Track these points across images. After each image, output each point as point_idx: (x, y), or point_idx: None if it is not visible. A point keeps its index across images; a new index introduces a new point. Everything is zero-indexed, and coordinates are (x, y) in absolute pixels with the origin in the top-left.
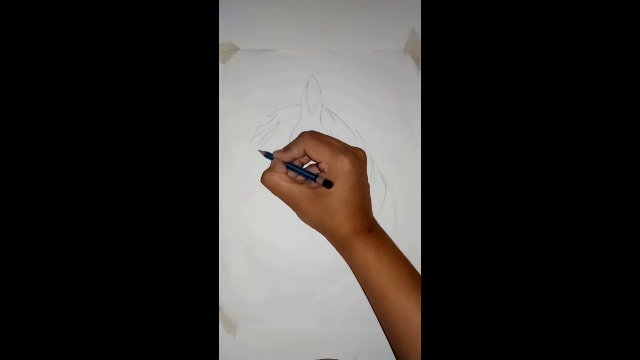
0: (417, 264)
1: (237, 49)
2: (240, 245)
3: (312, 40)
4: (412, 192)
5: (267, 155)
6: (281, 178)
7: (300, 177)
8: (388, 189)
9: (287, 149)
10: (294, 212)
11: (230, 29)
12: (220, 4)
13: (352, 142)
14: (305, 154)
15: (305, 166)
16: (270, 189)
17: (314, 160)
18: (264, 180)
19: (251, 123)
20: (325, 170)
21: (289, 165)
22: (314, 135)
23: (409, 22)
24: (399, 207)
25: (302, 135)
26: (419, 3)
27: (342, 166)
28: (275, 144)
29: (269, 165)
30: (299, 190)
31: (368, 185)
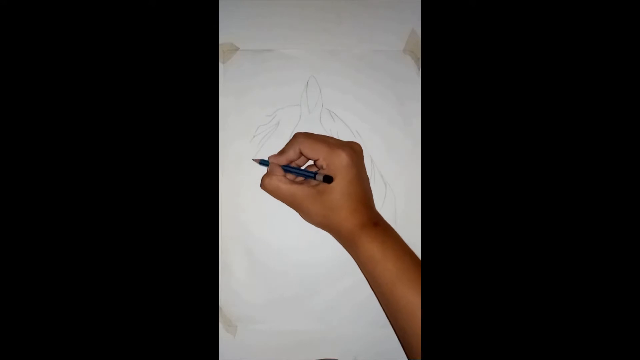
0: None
1: (237, 49)
2: (240, 245)
3: (312, 40)
4: (412, 192)
5: (263, 162)
6: (280, 181)
7: (300, 178)
8: (388, 189)
9: (282, 152)
10: (294, 212)
11: (230, 29)
12: (220, 4)
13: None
14: (301, 154)
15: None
16: (271, 194)
17: (311, 159)
18: (263, 185)
19: (251, 123)
20: (324, 166)
21: (287, 168)
22: (307, 135)
23: (409, 22)
24: (399, 207)
25: (296, 136)
26: (419, 3)
27: (340, 160)
28: (275, 144)
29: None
30: (300, 190)
31: (368, 179)
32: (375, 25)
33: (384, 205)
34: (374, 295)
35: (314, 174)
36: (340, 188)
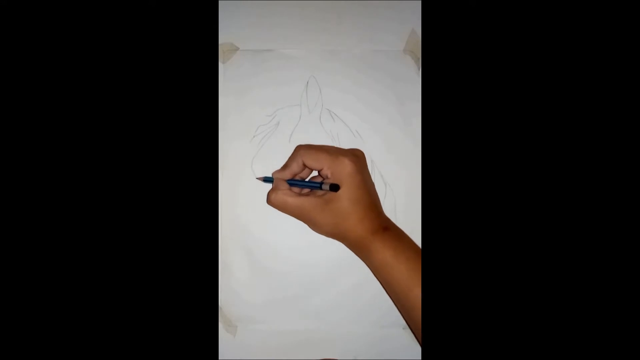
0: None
1: (237, 49)
2: (240, 245)
3: (312, 40)
4: (412, 192)
5: (267, 179)
6: (286, 194)
7: (305, 190)
8: (388, 189)
9: (285, 166)
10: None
11: (230, 29)
12: (220, 4)
13: (352, 141)
14: (304, 167)
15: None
16: (278, 209)
17: (315, 169)
18: (270, 201)
19: (251, 123)
20: (329, 175)
21: (292, 182)
22: (308, 147)
23: (409, 22)
24: (399, 207)
25: (297, 149)
26: (419, 3)
27: (344, 167)
28: (275, 144)
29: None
30: (307, 202)
31: (373, 184)
32: (375, 25)
33: (384, 205)
34: (374, 295)
35: (319, 184)
36: (347, 195)
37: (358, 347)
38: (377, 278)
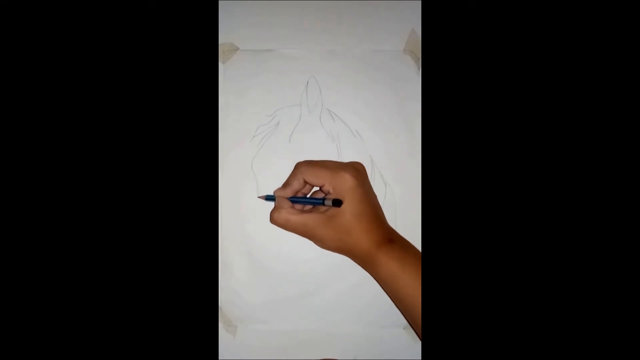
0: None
1: (237, 49)
2: (240, 245)
3: (312, 40)
4: (412, 192)
5: (269, 198)
6: (289, 212)
7: (308, 207)
8: (388, 189)
9: (286, 184)
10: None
11: (230, 29)
12: (220, 4)
13: (352, 142)
14: (305, 184)
15: (308, 196)
16: (281, 227)
17: (316, 185)
18: (273, 220)
19: (251, 123)
20: (330, 191)
21: (294, 199)
22: (309, 163)
23: (409, 22)
24: (399, 207)
25: (297, 166)
26: (419, 3)
27: (344, 182)
28: (275, 144)
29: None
30: (310, 219)
31: (375, 196)
32: (375, 25)
33: (384, 205)
34: (374, 295)
35: (322, 200)
36: (350, 210)
37: (358, 347)
38: (384, 290)
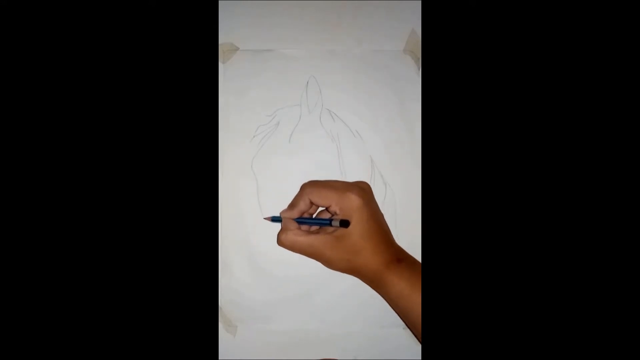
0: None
1: (237, 49)
2: (240, 245)
3: (312, 40)
4: (412, 192)
5: (275, 219)
6: (296, 234)
7: (315, 227)
8: (388, 189)
9: (292, 205)
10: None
11: (230, 29)
12: (220, 4)
13: (352, 142)
14: (311, 204)
15: (314, 216)
16: (289, 249)
17: (322, 206)
18: (280, 242)
19: (251, 123)
20: (337, 211)
21: (300, 220)
22: (314, 184)
23: (409, 22)
24: (399, 207)
25: (303, 187)
26: (419, 3)
27: (351, 203)
28: (275, 144)
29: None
30: (318, 240)
31: (382, 214)
32: (375, 25)
33: (384, 206)
34: (374, 295)
35: (329, 221)
36: (358, 230)
37: (358, 347)
38: (394, 310)
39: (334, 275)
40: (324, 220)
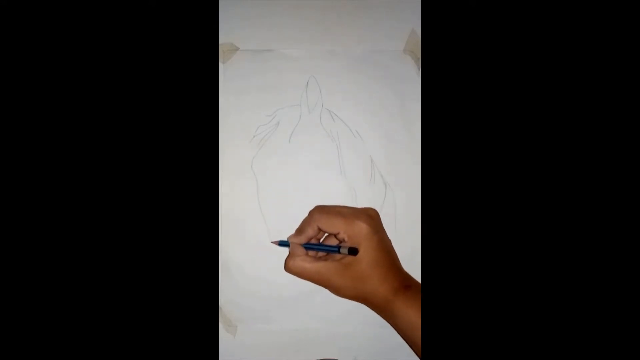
0: (417, 264)
1: (237, 49)
2: (240, 245)
3: (312, 40)
4: (412, 192)
5: (283, 243)
6: (304, 260)
7: (322, 253)
8: (388, 189)
9: (300, 231)
10: (294, 213)
11: (230, 29)
12: (220, 4)
13: (352, 142)
14: (319, 230)
15: (321, 241)
16: (296, 275)
17: (331, 233)
18: (288, 268)
19: (251, 123)
20: (345, 239)
21: (308, 246)
22: (322, 210)
23: (409, 22)
24: (399, 207)
25: (311, 213)
26: (419, 3)
27: (359, 230)
28: (275, 144)
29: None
30: (326, 267)
31: (390, 241)
32: (375, 25)
33: (384, 205)
34: None
35: (337, 248)
36: (366, 258)
37: (358, 347)
38: (402, 337)
39: None
40: (332, 247)
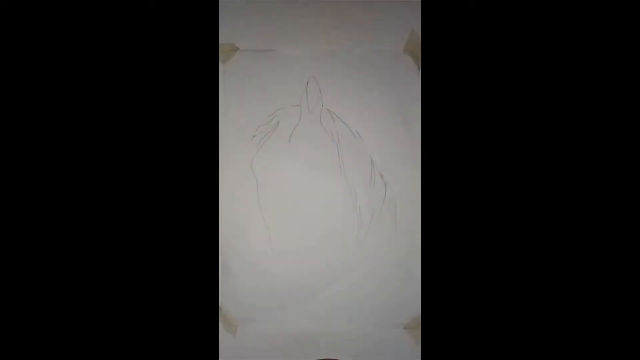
0: (417, 263)
1: (237, 49)
2: (240, 245)
3: (312, 40)
4: (412, 192)
5: None
6: None
7: None
8: (388, 189)
9: None
10: (292, 209)
11: (230, 29)
12: (220, 4)
13: (352, 142)
14: None
15: None
16: None
17: None
18: None
19: (251, 123)
20: None
21: None
22: None
23: (409, 22)
24: (399, 207)
25: None
26: (419, 3)
27: None
28: (275, 144)
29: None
30: None
31: None
32: (375, 25)
33: (384, 205)
34: (374, 295)
35: None
36: None
37: (358, 347)
38: None
39: (334, 275)
40: None
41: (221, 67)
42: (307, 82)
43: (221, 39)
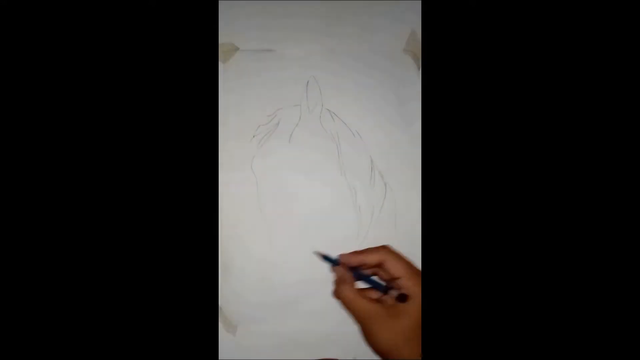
0: (417, 264)
1: (237, 49)
2: (240, 245)
3: (312, 40)
4: (412, 192)
5: (328, 259)
6: (355, 293)
7: (374, 295)
8: (388, 188)
9: (358, 253)
10: (292, 209)
11: (230, 29)
12: (220, 4)
13: (352, 142)
14: (377, 265)
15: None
16: (344, 303)
17: (393, 275)
18: (338, 294)
19: (251, 123)
20: (402, 287)
21: (358, 274)
22: (393, 251)
23: (409, 22)
24: (399, 207)
25: (380, 247)
26: (419, 3)
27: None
28: (275, 144)
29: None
30: (375, 310)
31: None
32: (375, 25)
33: (384, 205)
34: None
35: (385, 287)
36: (416, 315)
37: (358, 347)
38: None
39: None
40: (380, 284)
41: (221, 67)
42: (307, 82)
43: (221, 39)
